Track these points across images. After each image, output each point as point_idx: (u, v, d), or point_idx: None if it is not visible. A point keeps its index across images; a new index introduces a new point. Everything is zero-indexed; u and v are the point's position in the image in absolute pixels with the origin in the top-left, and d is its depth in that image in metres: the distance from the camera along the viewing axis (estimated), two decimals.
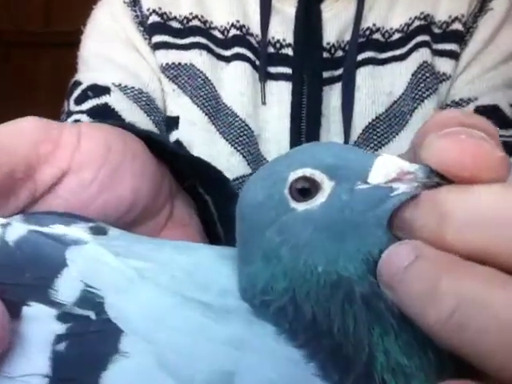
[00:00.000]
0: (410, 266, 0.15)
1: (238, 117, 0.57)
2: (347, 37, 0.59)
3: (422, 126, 0.19)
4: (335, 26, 0.59)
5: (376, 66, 0.59)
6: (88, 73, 0.63)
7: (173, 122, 0.59)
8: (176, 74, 0.59)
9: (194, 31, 0.60)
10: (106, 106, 0.55)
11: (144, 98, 0.58)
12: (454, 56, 0.59)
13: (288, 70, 0.58)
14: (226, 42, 0.60)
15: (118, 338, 0.15)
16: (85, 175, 0.22)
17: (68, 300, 0.16)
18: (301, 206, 0.18)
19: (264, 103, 0.57)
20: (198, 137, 0.57)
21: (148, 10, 0.61)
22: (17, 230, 0.17)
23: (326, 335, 0.16)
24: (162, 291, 0.16)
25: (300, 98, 0.56)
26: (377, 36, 0.60)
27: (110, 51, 0.62)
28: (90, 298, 0.16)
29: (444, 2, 0.61)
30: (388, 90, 0.58)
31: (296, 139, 0.55)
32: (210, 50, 0.60)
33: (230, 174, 0.52)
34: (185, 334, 0.15)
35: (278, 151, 0.56)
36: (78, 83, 0.62)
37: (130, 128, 0.27)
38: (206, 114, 0.58)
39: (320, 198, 0.18)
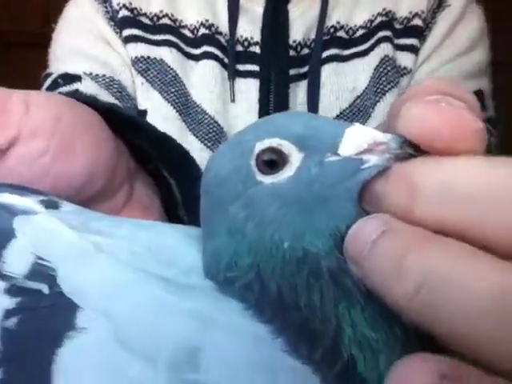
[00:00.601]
0: (376, 241, 0.15)
1: (207, 114, 0.59)
2: (313, 35, 0.60)
3: (398, 97, 0.18)
4: (301, 25, 0.60)
5: (340, 63, 0.60)
6: (59, 65, 0.64)
7: (140, 116, 0.59)
8: (145, 67, 0.60)
9: (164, 29, 0.61)
10: (77, 91, 0.54)
11: (115, 86, 0.59)
12: (415, 50, 0.62)
13: (256, 68, 0.59)
14: (196, 41, 0.61)
15: (74, 312, 0.14)
16: (35, 145, 0.21)
17: (18, 273, 0.14)
18: (267, 179, 0.17)
19: (233, 101, 0.58)
20: (168, 131, 0.58)
21: (118, 4, 0.62)
22: None
23: (292, 310, 0.15)
24: (122, 265, 0.15)
25: (267, 94, 0.58)
26: (341, 33, 0.61)
27: (81, 45, 0.63)
28: (41, 271, 0.14)
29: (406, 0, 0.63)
30: (351, 86, 0.60)
31: None
32: (179, 49, 0.61)
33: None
34: (147, 309, 0.14)
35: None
36: (48, 74, 0.64)
37: (88, 100, 0.26)
38: (177, 111, 0.59)
39: (288, 171, 0.17)
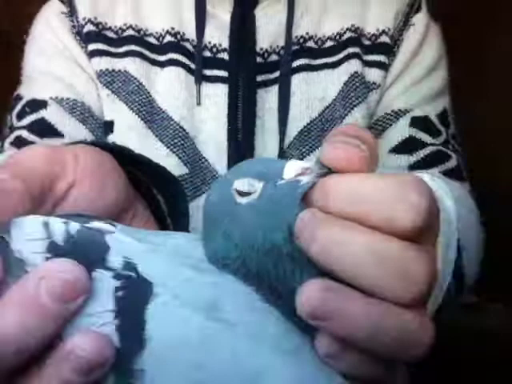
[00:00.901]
0: (307, 224, 0.24)
1: (172, 120, 0.59)
2: (281, 42, 0.61)
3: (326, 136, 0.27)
4: (268, 32, 0.61)
5: (310, 72, 0.61)
6: (29, 87, 0.65)
7: (107, 127, 0.61)
8: (110, 80, 0.61)
9: (129, 40, 0.62)
10: (42, 120, 0.60)
11: (79, 108, 0.61)
12: (383, 67, 0.63)
13: (224, 74, 0.60)
14: (161, 48, 0.61)
15: (151, 286, 0.25)
16: (84, 187, 0.30)
17: (117, 266, 0.25)
18: (244, 200, 0.27)
19: (199, 104, 0.59)
20: (134, 140, 0.59)
21: (84, 19, 0.63)
22: (74, 225, 0.26)
23: (266, 281, 0.26)
24: (168, 258, 0.27)
25: (236, 100, 0.59)
26: (310, 44, 0.62)
27: (49, 65, 0.64)
28: (129, 265, 0.25)
29: (372, 16, 0.64)
30: (321, 95, 0.61)
31: (233, 139, 0.58)
32: (143, 57, 0.61)
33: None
34: (184, 281, 0.26)
35: (216, 151, 0.59)
36: (19, 98, 0.65)
37: (98, 143, 0.33)
38: (142, 119, 0.60)
39: (255, 194, 0.27)
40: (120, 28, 0.62)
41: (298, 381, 0.24)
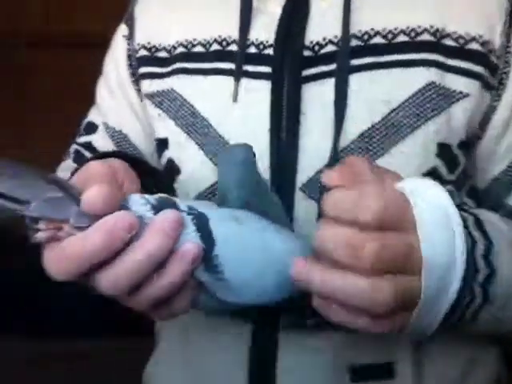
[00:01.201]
0: (302, 272, 0.39)
1: (212, 127, 0.58)
2: (337, 33, 0.56)
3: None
4: (322, 23, 0.57)
5: (375, 71, 0.55)
6: (92, 109, 0.72)
7: (162, 144, 0.62)
8: (160, 100, 0.63)
9: (178, 58, 0.62)
10: (90, 143, 0.69)
11: (117, 136, 0.68)
12: (475, 76, 0.55)
13: (269, 70, 0.57)
14: (207, 56, 0.60)
15: (206, 215, 0.40)
16: (127, 188, 0.42)
17: (186, 210, 0.40)
18: None
19: (235, 101, 0.57)
20: (185, 155, 0.60)
21: (138, 44, 0.65)
22: (152, 196, 0.40)
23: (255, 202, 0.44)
24: (205, 203, 0.46)
25: (280, 96, 0.56)
26: (377, 40, 0.56)
27: (105, 95, 0.71)
28: (191, 208, 0.40)
29: (455, 15, 0.57)
30: (386, 97, 0.55)
31: (275, 138, 0.55)
32: (187, 71, 0.61)
33: (205, 182, 0.57)
34: (218, 211, 0.43)
35: (257, 153, 0.53)
36: (87, 116, 0.73)
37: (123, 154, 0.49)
38: (185, 132, 0.60)
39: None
40: (173, 46, 0.62)
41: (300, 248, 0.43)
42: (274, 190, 0.50)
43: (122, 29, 0.69)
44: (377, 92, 0.55)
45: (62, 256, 0.36)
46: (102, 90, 0.71)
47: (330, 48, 0.56)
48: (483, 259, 0.42)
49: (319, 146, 0.54)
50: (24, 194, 0.34)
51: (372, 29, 0.56)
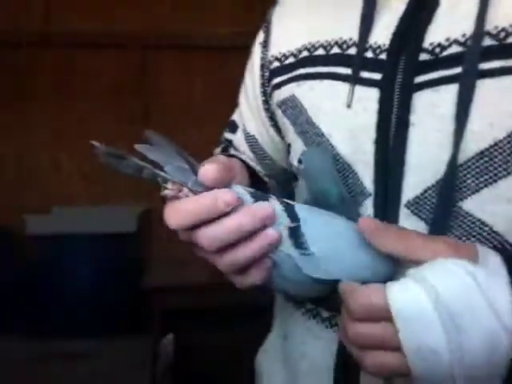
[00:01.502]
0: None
1: (324, 136, 0.56)
2: (466, 31, 0.48)
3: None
4: (449, 20, 0.50)
5: (505, 77, 0.46)
6: (237, 111, 0.76)
7: (288, 150, 0.64)
8: (285, 107, 0.62)
9: (301, 63, 0.60)
10: (231, 142, 0.74)
11: (250, 139, 0.72)
12: None
13: (380, 76, 0.52)
14: (327, 59, 0.57)
15: (294, 207, 0.48)
16: (238, 180, 0.50)
17: (281, 209, 0.47)
18: None
19: (349, 106, 0.53)
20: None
21: (272, 56, 0.65)
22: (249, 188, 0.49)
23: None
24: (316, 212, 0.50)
25: (390, 105, 0.51)
26: None
27: (244, 101, 0.74)
28: (282, 200, 0.49)
29: None
30: None
31: (380, 150, 0.51)
32: (307, 76, 0.59)
33: None
34: (327, 224, 0.49)
35: (363, 164, 0.52)
36: (234, 113, 0.77)
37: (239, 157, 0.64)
38: (303, 141, 0.58)
39: None
40: (298, 50, 0.61)
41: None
42: (379, 204, 0.51)
43: (260, 35, 0.69)
44: (503, 103, 0.46)
45: (179, 210, 0.45)
46: (242, 94, 0.74)
47: (455, 49, 0.49)
48: None
49: (430, 162, 0.48)
50: (161, 159, 0.45)
51: (511, 25, 0.47)
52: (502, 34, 0.47)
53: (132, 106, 2.37)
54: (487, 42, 0.47)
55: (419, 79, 0.50)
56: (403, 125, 0.50)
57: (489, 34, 0.47)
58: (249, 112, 0.71)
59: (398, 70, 0.51)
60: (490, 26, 0.47)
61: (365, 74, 0.53)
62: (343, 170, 0.54)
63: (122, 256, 2.11)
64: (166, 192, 0.45)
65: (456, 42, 0.49)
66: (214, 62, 2.42)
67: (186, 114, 2.40)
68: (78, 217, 2.10)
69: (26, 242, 2.08)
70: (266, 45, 0.67)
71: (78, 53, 2.34)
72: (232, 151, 0.72)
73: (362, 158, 0.52)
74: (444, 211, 0.47)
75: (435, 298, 0.38)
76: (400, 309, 0.38)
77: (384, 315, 0.39)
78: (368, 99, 0.52)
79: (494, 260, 0.40)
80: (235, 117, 0.75)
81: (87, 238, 2.04)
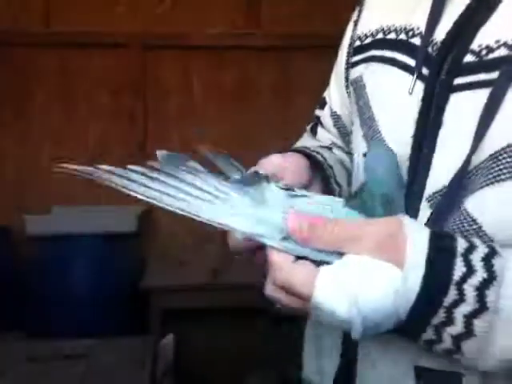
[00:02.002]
0: None
1: (374, 120, 0.58)
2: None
3: None
4: (504, 20, 0.49)
5: None
6: (328, 88, 0.77)
7: (351, 132, 0.66)
8: (354, 87, 0.64)
9: (374, 44, 0.61)
10: (318, 118, 0.77)
11: (338, 122, 0.74)
12: None
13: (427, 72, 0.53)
14: (392, 44, 0.58)
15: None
16: (293, 175, 0.56)
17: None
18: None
19: (411, 93, 0.53)
20: (359, 146, 0.61)
21: (357, 35, 0.65)
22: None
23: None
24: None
25: (429, 103, 0.51)
26: None
27: (333, 79, 0.75)
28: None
29: None
30: None
31: (417, 146, 0.52)
32: (373, 58, 0.60)
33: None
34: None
35: (399, 157, 0.53)
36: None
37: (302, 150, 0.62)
38: (361, 121, 0.61)
39: None
40: (377, 31, 0.61)
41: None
42: (407, 193, 0.52)
43: (355, 13, 0.69)
44: None
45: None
46: (333, 70, 0.74)
47: (503, 52, 0.48)
48: (482, 262, 0.42)
49: (449, 162, 0.49)
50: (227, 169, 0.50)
51: None
52: None
53: (132, 105, 2.37)
54: None
55: (458, 81, 0.50)
56: (436, 124, 0.51)
57: None
58: (335, 88, 0.74)
59: (443, 69, 0.51)
60: None
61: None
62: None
63: (122, 256, 2.11)
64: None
65: (505, 44, 0.48)
66: (214, 62, 2.42)
67: (185, 113, 2.40)
68: (77, 217, 2.10)
69: (26, 242, 2.08)
70: (356, 23, 0.68)
71: (78, 53, 2.34)
72: (319, 128, 0.76)
73: (400, 149, 0.53)
74: (447, 208, 0.49)
75: (356, 310, 0.42)
76: (320, 306, 0.44)
77: (304, 298, 0.44)
78: (414, 93, 0.53)
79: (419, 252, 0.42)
80: (325, 93, 0.77)
81: (87, 237, 2.03)
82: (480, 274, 0.41)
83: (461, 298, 0.41)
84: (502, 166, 0.47)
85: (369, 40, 0.62)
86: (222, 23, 2.41)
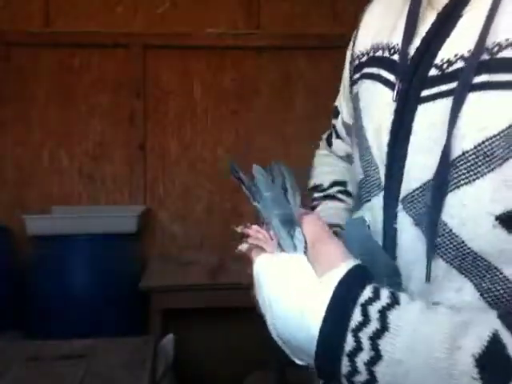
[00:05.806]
0: None
1: (364, 133, 0.62)
2: (472, 46, 0.50)
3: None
4: (461, 37, 0.53)
5: (486, 92, 0.48)
6: (338, 97, 0.82)
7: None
8: (353, 102, 0.68)
9: (367, 62, 0.66)
10: (334, 126, 0.83)
11: (348, 129, 0.78)
12: None
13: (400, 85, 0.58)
14: (379, 61, 0.62)
15: None
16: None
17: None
18: None
19: (395, 100, 0.59)
20: (357, 166, 0.66)
21: (355, 53, 0.70)
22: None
23: None
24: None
25: (402, 115, 0.57)
26: (506, 53, 0.48)
27: (341, 92, 0.80)
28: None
29: None
30: (484, 123, 0.48)
31: (391, 154, 0.57)
32: (365, 76, 0.65)
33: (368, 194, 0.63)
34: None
35: (380, 160, 0.59)
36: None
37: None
38: (356, 137, 0.65)
39: None
40: (370, 49, 0.66)
41: None
42: (385, 196, 0.58)
43: (354, 32, 0.73)
44: (476, 116, 0.49)
45: None
46: (341, 82, 0.79)
47: (459, 64, 0.52)
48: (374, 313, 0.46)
49: (419, 167, 0.54)
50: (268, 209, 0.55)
51: (507, 39, 0.48)
52: (496, 49, 0.49)
53: (132, 105, 2.37)
54: (484, 56, 0.50)
55: (425, 93, 0.55)
56: (407, 132, 0.56)
57: (487, 49, 0.50)
58: (342, 99, 0.79)
59: (411, 83, 0.56)
60: (489, 41, 0.49)
61: (392, 79, 0.59)
62: (371, 162, 0.61)
63: (122, 256, 2.11)
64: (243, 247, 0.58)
65: (462, 57, 0.52)
66: (214, 62, 2.42)
67: (185, 114, 2.40)
68: (77, 217, 2.10)
69: (26, 242, 2.08)
70: (354, 41, 0.72)
71: (78, 53, 2.35)
72: (334, 139, 0.84)
73: (380, 156, 0.59)
74: (435, 207, 0.51)
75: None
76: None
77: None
78: (390, 105, 0.58)
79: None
80: (337, 102, 0.82)
81: (87, 237, 2.03)
82: (374, 324, 0.44)
83: (359, 346, 0.44)
84: (461, 172, 0.50)
85: (364, 58, 0.67)
86: (222, 23, 2.41)
